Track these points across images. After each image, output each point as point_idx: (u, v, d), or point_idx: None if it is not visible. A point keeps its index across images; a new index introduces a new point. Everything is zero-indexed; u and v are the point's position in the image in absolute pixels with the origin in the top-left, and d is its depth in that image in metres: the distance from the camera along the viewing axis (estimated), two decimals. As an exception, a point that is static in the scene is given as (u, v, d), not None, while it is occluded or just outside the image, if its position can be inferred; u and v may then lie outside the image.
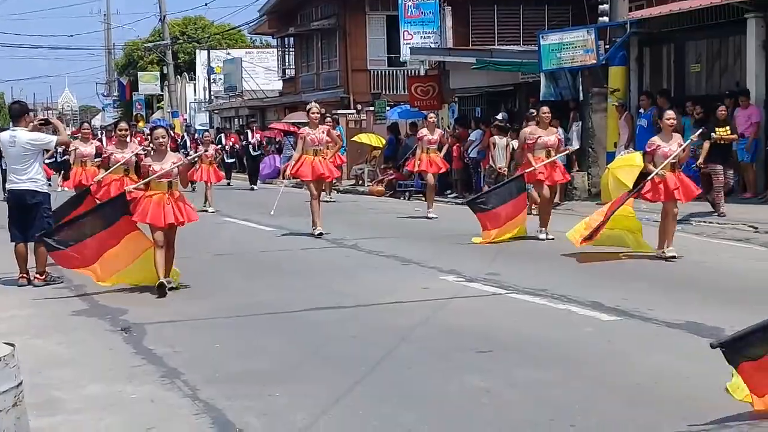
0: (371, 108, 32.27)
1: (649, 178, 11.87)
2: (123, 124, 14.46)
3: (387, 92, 35.28)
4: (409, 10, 29.48)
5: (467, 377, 6.79)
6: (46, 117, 16.90)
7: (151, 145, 11.82)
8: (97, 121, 70.11)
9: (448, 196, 22.98)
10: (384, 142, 28.19)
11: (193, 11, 77.35)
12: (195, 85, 59.55)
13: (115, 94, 73.02)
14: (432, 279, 10.99)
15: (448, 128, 25.13)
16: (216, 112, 53.56)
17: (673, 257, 11.70)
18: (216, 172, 22.82)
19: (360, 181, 28.72)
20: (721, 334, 7.80)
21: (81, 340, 8.42)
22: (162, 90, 61.04)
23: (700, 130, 13.47)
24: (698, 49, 19.45)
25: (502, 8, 30.47)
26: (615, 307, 9.01)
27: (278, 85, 47.03)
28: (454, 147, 22.77)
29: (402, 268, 11.88)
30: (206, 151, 21.19)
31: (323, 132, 15.41)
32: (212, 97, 53.75)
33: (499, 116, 22.05)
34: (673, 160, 11.85)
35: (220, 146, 28.46)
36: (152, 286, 10.42)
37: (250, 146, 31.18)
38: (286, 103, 41.94)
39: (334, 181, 22.98)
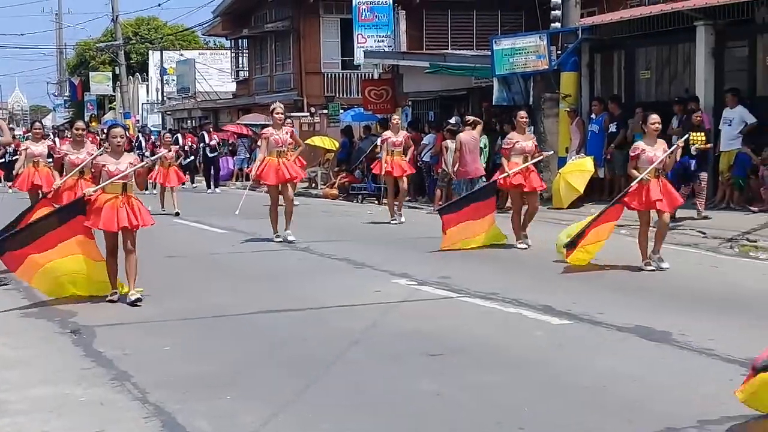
0: (325, 111, 32.28)
1: (633, 183, 11.58)
2: (80, 123, 13.34)
3: (341, 95, 35.31)
4: (363, 13, 29.51)
5: (418, 380, 6.81)
6: None
7: (106, 144, 11.11)
8: (48, 121, 69.45)
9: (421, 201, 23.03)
10: (337, 145, 28.19)
11: (146, 12, 76.74)
12: (147, 86, 59.12)
13: (66, 94, 72.33)
14: (384, 282, 11.01)
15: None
16: (169, 113, 53.22)
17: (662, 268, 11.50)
18: (177, 174, 22.25)
19: (313, 184, 28.69)
20: (669, 338, 7.93)
21: (29, 341, 8.32)
22: (114, 91, 60.55)
23: (686, 137, 13.53)
24: (648, 55, 19.67)
25: (455, 13, 30.62)
26: (565, 311, 9.09)
27: (232, 87, 46.84)
28: (457, 153, 22.78)
29: (354, 271, 11.89)
30: (168, 152, 21.05)
31: (287, 133, 14.96)
32: (165, 99, 53.40)
33: (452, 120, 22.13)
34: (659, 166, 11.54)
35: (179, 146, 28.17)
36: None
37: (207, 148, 30.69)
38: (240, 105, 41.81)
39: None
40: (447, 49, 28.40)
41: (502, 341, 8.05)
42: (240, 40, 43.77)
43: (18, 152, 17.90)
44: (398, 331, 8.48)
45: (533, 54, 20.36)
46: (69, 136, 32.26)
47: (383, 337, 8.27)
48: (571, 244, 11.56)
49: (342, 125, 29.63)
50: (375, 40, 29.32)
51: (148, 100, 58.56)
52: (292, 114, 32.66)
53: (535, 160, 13.98)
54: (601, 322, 8.61)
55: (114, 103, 61.74)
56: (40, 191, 15.22)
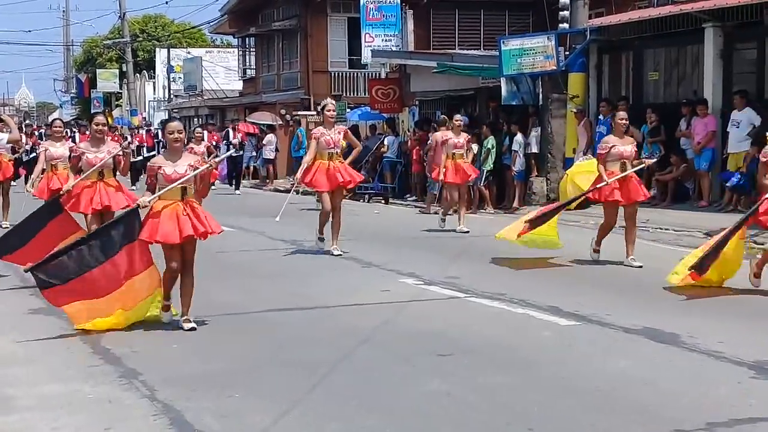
0: (332, 110, 32.19)
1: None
2: (100, 118, 11.60)
3: (348, 94, 35.27)
4: (371, 12, 29.48)
5: (427, 380, 6.81)
6: None
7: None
8: (50, 120, 69.43)
9: (408, 199, 23.03)
10: (344, 144, 28.15)
11: (154, 9, 76.70)
12: (154, 83, 59.14)
13: (73, 91, 72.37)
14: (392, 282, 11.01)
15: (408, 131, 25.19)
16: (175, 111, 53.19)
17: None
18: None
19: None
20: (677, 340, 7.92)
21: (38, 339, 8.32)
22: (121, 88, 60.58)
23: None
24: (656, 57, 19.64)
25: (463, 13, 30.55)
26: (573, 312, 9.08)
27: (238, 85, 46.83)
28: (414, 150, 22.86)
29: (362, 271, 11.89)
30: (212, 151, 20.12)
31: (339, 133, 13.39)
32: (172, 96, 53.42)
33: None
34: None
35: (208, 144, 27.01)
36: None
37: (231, 146, 28.42)
38: (247, 103, 41.79)
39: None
40: (454, 48, 28.34)
41: (511, 342, 8.04)
42: (247, 39, 43.76)
43: (36, 151, 15.91)
44: (407, 330, 8.48)
45: (541, 54, 20.32)
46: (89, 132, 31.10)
47: (392, 336, 8.27)
48: (700, 267, 10.10)
49: (348, 124, 29.60)
50: (382, 40, 29.28)
51: (154, 98, 58.59)
52: (299, 113, 32.75)
53: (636, 168, 12.15)
54: (609, 324, 8.60)
55: (121, 101, 61.78)
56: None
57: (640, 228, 12.69)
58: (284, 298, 10.06)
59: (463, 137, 16.16)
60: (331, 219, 13.12)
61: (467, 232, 15.45)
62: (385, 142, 24.93)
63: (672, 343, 7.87)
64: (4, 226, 16.26)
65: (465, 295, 10.14)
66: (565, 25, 20.84)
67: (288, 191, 28.20)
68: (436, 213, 19.43)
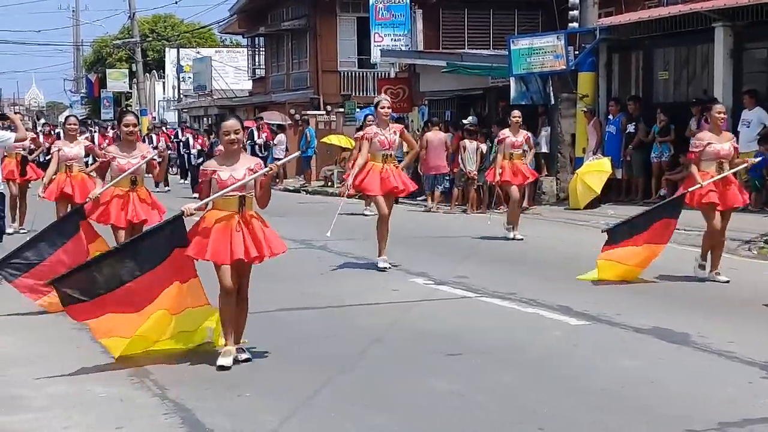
0: (341, 109, 32.27)
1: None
2: (130, 118, 9.97)
3: (357, 94, 35.29)
4: (380, 12, 29.49)
5: (436, 380, 6.82)
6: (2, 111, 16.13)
7: (218, 148, 8.16)
8: (63, 118, 69.61)
9: (419, 200, 23.00)
10: (353, 143, 28.17)
11: (163, 9, 76.86)
12: (164, 83, 59.29)
13: (82, 91, 72.58)
14: (401, 281, 11.01)
15: (418, 131, 25.19)
16: (185, 110, 53.34)
17: None
18: None
19: (329, 183, 28.70)
20: (688, 340, 7.91)
21: (48, 338, 8.34)
22: (130, 88, 60.69)
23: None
24: (666, 56, 19.60)
25: (472, 12, 30.53)
26: (583, 311, 9.08)
27: (248, 85, 46.91)
28: (423, 150, 22.84)
29: (372, 270, 11.88)
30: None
31: (395, 132, 11.95)
32: (181, 96, 53.52)
33: (468, 120, 22.16)
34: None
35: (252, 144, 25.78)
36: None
37: (256, 147, 28.11)
38: (256, 102, 41.85)
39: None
40: (463, 48, 28.34)
41: (521, 341, 8.04)
42: (256, 38, 43.84)
43: (50, 152, 14.00)
44: (417, 330, 8.49)
45: (551, 54, 20.32)
46: (110, 134, 30.28)
47: (402, 336, 8.28)
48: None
49: (358, 124, 29.61)
50: (392, 39, 29.30)
51: (164, 98, 58.72)
52: (309, 112, 32.76)
53: (736, 169, 10.97)
54: (619, 323, 8.60)
55: (130, 101, 61.91)
56: (70, 203, 12.83)
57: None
58: (295, 298, 10.07)
59: (522, 135, 14.78)
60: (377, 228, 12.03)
61: (521, 239, 14.37)
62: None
63: (682, 342, 7.87)
64: (22, 232, 15.40)
65: (475, 295, 10.14)
66: (575, 25, 20.84)
67: (297, 191, 28.32)
68: (446, 212, 19.46)
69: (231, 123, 7.37)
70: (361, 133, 12.61)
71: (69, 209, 12.45)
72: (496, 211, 19.44)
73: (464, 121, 22.08)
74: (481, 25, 30.57)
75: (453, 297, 10.15)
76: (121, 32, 64.35)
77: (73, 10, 77.76)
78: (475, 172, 19.80)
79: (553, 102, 20.88)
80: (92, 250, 9.11)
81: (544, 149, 20.46)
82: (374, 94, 31.00)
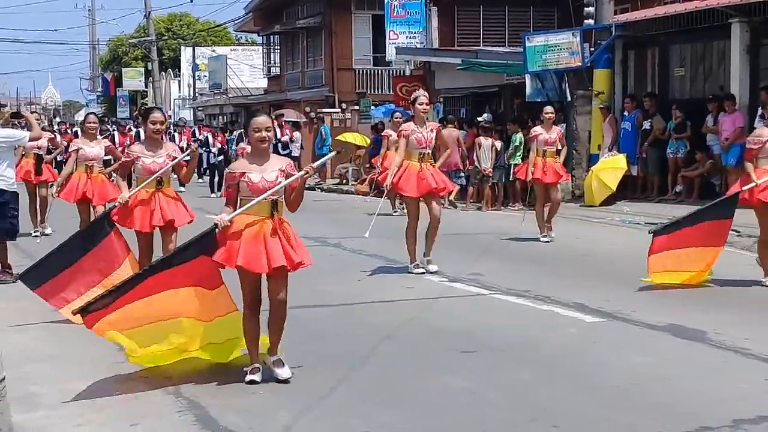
0: (356, 107, 32.27)
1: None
2: (157, 115, 9.34)
3: (372, 91, 35.28)
4: (395, 9, 29.50)
5: (451, 377, 6.81)
6: (17, 109, 15.85)
7: (242, 144, 7.18)
8: (80, 117, 69.85)
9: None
10: (368, 141, 28.17)
11: (179, 8, 76.82)
12: (179, 81, 59.42)
13: (98, 89, 72.81)
14: (416, 279, 11.00)
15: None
16: (200, 109, 53.46)
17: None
18: None
19: (344, 180, 28.70)
20: (703, 336, 7.87)
21: (63, 335, 8.36)
22: (146, 86, 60.88)
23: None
24: (683, 53, 19.52)
25: (487, 9, 30.47)
26: (598, 308, 9.05)
27: (263, 83, 46.96)
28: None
29: (386, 267, 11.87)
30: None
31: (432, 131, 11.41)
32: (197, 94, 53.63)
33: (483, 117, 22.13)
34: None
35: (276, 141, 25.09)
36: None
37: (279, 145, 26.48)
38: (272, 101, 41.87)
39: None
40: (479, 45, 28.28)
41: (536, 339, 8.02)
42: (271, 36, 43.87)
43: (68, 151, 13.31)
44: (431, 327, 8.47)
45: (566, 51, 20.27)
46: (129, 130, 29.81)
47: (416, 333, 8.27)
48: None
49: (373, 121, 29.59)
50: (407, 37, 29.31)
51: (180, 96, 58.85)
52: (324, 110, 32.75)
53: None
54: (635, 320, 8.57)
55: (146, 99, 62.08)
56: (91, 205, 12.57)
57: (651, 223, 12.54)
58: (308, 295, 10.03)
59: (555, 132, 14.15)
60: (427, 228, 11.42)
61: (550, 240, 13.87)
62: None
63: (698, 339, 7.83)
64: (47, 232, 14.98)
65: (490, 292, 10.11)
66: (590, 21, 20.79)
67: (312, 188, 28.31)
68: (461, 209, 19.42)
69: (262, 119, 6.82)
70: (386, 132, 12.29)
71: (90, 212, 12.50)
72: (511, 207, 19.44)
73: (479, 119, 22.07)
74: (496, 22, 30.51)
75: (468, 294, 10.13)
76: (136, 31, 64.60)
77: (89, 9, 78.09)
78: (490, 170, 19.79)
79: (568, 99, 20.83)
80: (124, 266, 8.62)
81: (559, 146, 20.40)
82: (389, 91, 31.03)
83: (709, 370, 6.95)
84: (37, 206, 15.98)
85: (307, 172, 6.85)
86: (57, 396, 6.48)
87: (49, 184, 15.91)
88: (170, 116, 52.91)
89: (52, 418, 6.04)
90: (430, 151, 11.36)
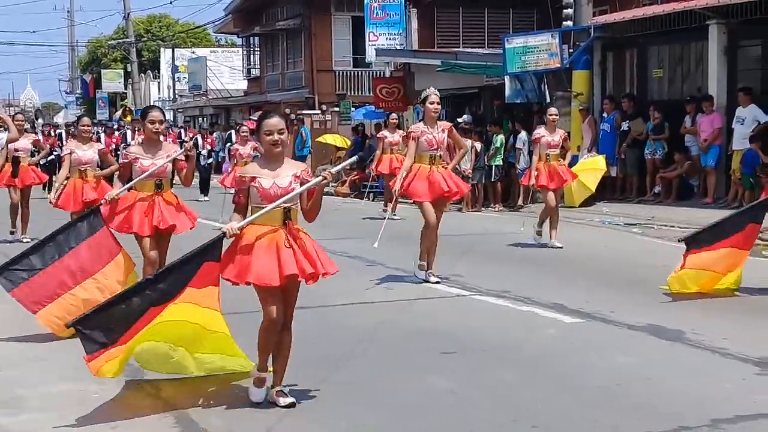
0: (336, 109, 32.29)
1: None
2: (156, 114, 8.77)
3: (352, 93, 35.31)
4: (375, 11, 29.52)
5: (432, 378, 6.83)
6: None
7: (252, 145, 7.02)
8: (59, 119, 69.49)
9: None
10: (349, 143, 28.21)
11: (158, 9, 76.89)
12: (159, 83, 59.24)
13: (78, 91, 72.47)
14: (396, 280, 11.02)
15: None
16: (180, 110, 53.32)
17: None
18: None
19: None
20: (682, 337, 7.93)
21: (46, 339, 8.31)
22: (126, 88, 60.68)
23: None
24: (661, 54, 19.64)
25: (467, 11, 30.56)
26: (578, 309, 9.10)
27: (243, 85, 46.90)
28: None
29: (367, 269, 11.89)
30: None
31: (443, 131, 10.88)
32: (176, 96, 53.49)
33: (463, 119, 22.17)
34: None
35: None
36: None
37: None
38: (251, 102, 41.84)
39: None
40: (458, 47, 28.35)
41: (516, 339, 8.06)
42: (251, 38, 43.83)
43: (54, 152, 12.84)
44: (412, 328, 8.50)
45: (545, 52, 20.35)
46: (117, 134, 29.21)
47: (396, 334, 8.29)
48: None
49: (353, 123, 29.63)
50: (386, 38, 29.34)
51: (159, 98, 58.60)
52: (304, 111, 32.75)
53: None
54: (613, 321, 8.62)
55: (126, 101, 61.87)
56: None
57: (646, 225, 12.63)
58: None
59: (559, 134, 13.54)
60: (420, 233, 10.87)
61: (560, 247, 13.18)
62: None
63: (676, 339, 7.89)
64: (24, 240, 14.12)
65: (470, 293, 10.15)
66: (569, 23, 20.87)
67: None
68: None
69: (275, 121, 6.31)
70: (381, 134, 11.25)
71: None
72: (492, 209, 19.48)
73: (459, 120, 22.09)
74: (475, 24, 30.60)
75: (448, 295, 10.16)
76: (115, 32, 64.39)
77: (68, 11, 77.63)
78: (470, 171, 19.82)
79: (548, 100, 20.89)
80: (113, 268, 8.20)
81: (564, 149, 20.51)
82: (370, 93, 31.03)
83: (689, 370, 7.00)
84: (19, 211, 15.00)
85: (325, 178, 6.26)
86: (38, 399, 6.48)
87: (34, 185, 15.49)
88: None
89: (36, 422, 6.03)
90: (441, 153, 10.85)
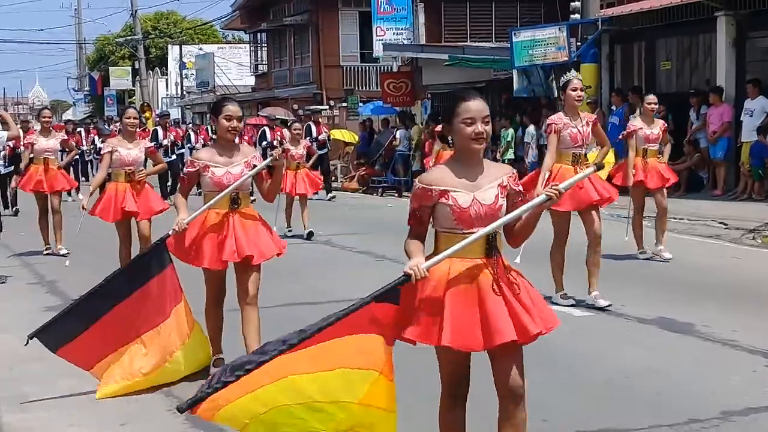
0: (344, 104, 32.29)
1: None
2: (233, 108, 6.70)
3: (360, 88, 35.31)
4: (382, 6, 29.49)
5: (438, 375, 6.79)
6: None
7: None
8: (68, 116, 69.58)
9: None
10: (357, 138, 28.22)
11: (165, 6, 77.24)
12: (167, 80, 59.28)
13: (86, 89, 72.58)
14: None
15: (422, 124, 25.18)
16: (188, 107, 53.37)
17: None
18: (311, 179, 15.30)
19: (333, 177, 28.71)
20: (692, 330, 7.90)
21: (53, 336, 8.34)
22: (134, 85, 60.72)
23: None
24: (669, 46, 19.58)
25: (474, 5, 30.52)
26: (588, 303, 9.06)
27: (251, 81, 46.94)
28: (427, 143, 22.82)
29: (376, 264, 11.89)
30: (294, 148, 15.22)
31: (587, 124, 9.09)
32: (184, 93, 53.54)
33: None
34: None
35: (310, 138, 20.45)
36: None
37: (315, 143, 23.08)
38: (259, 98, 41.86)
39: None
40: (466, 41, 28.33)
41: (525, 333, 8.02)
42: (259, 34, 43.84)
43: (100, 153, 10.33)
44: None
45: (553, 46, 20.30)
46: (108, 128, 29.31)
47: (405, 329, 8.26)
48: None
49: (361, 118, 29.62)
50: (394, 33, 29.31)
51: (167, 95, 58.71)
52: (311, 107, 32.75)
53: None
54: (623, 314, 8.59)
55: (134, 98, 61.93)
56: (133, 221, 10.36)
57: (652, 217, 12.54)
58: (297, 293, 10.06)
59: (659, 126, 11.66)
60: (587, 251, 9.28)
61: (670, 259, 11.52)
62: (397, 136, 25.01)
63: (686, 332, 7.87)
64: (62, 253, 12.89)
65: (479, 288, 10.10)
66: (577, 16, 20.81)
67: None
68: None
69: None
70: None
71: (131, 230, 10.27)
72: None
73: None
74: (483, 18, 30.55)
75: (457, 290, 10.11)
76: (123, 30, 64.39)
77: (76, 9, 77.77)
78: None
79: (555, 94, 20.84)
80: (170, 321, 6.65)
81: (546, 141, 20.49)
82: (377, 88, 31.04)
83: (699, 363, 6.98)
84: (50, 220, 13.65)
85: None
86: (48, 396, 6.47)
87: (66, 192, 14.33)
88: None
89: (44, 419, 6.03)
90: (586, 151, 9.18)
